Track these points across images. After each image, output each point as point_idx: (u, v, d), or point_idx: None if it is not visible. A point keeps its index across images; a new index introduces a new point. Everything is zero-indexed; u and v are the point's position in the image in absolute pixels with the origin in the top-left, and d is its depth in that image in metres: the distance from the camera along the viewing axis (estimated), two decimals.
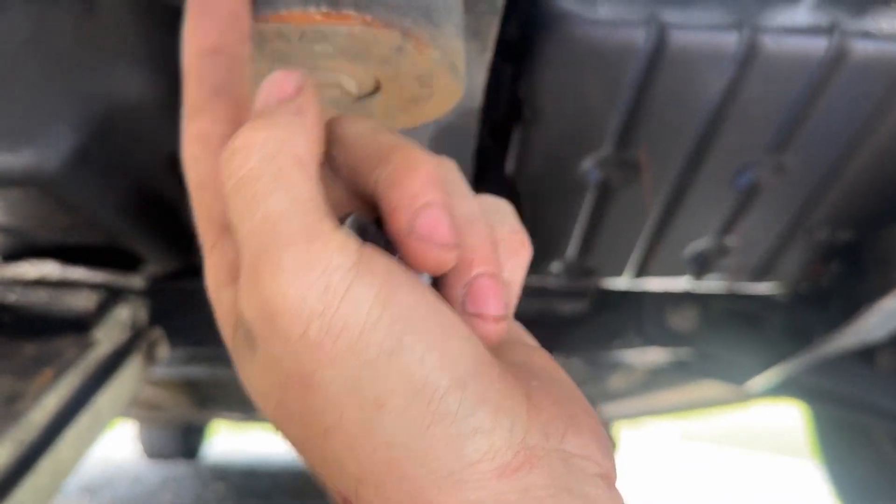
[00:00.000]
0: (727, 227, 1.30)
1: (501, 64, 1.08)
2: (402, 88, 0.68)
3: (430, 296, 0.36)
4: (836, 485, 2.42)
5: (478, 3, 0.72)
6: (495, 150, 1.19)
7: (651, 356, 2.05)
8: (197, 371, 2.13)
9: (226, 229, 0.40)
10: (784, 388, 1.95)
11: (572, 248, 1.35)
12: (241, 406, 3.05)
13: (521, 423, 0.34)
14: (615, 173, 1.17)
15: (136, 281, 1.43)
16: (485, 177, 1.31)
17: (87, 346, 1.23)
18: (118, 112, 0.84)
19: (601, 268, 1.41)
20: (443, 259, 0.37)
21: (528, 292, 1.85)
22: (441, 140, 0.96)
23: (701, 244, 1.34)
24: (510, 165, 1.16)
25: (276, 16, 0.57)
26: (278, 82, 0.42)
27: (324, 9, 0.58)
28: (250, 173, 0.34)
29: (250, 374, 0.37)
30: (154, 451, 4.94)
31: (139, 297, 1.45)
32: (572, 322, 2.01)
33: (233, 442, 6.81)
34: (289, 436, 0.37)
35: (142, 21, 0.75)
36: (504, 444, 0.33)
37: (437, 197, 0.37)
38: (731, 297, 1.90)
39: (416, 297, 0.35)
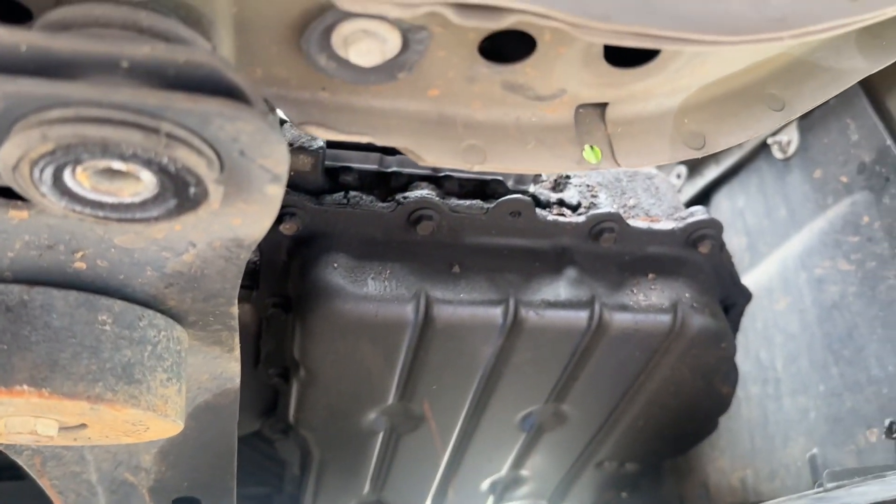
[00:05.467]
0: (520, 462, 1.31)
1: (283, 316, 1.07)
2: (113, 426, 0.63)
3: None
4: None
5: (211, 325, 0.70)
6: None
7: None
8: None
9: None
10: None
11: (368, 486, 1.31)
12: None
13: None
14: (401, 422, 1.15)
15: None
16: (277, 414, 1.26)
17: None
18: None
19: (400, 502, 1.37)
20: None
21: None
22: (202, 417, 0.91)
23: (497, 476, 1.34)
24: (291, 414, 1.12)
25: None
26: None
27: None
28: None
29: None
30: None
31: None
32: None
33: None
34: None
35: None
36: None
37: None
38: None
39: None
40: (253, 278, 1.05)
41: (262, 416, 1.33)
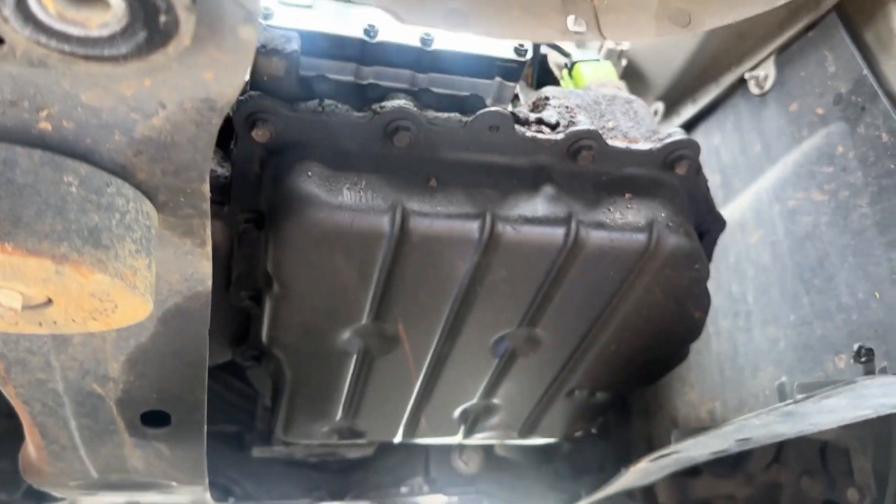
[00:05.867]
0: (492, 390, 1.31)
1: (256, 232, 1.05)
2: (79, 302, 0.61)
3: None
4: None
5: (182, 208, 0.68)
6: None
7: (440, 500, 2.01)
8: None
9: None
10: None
11: (340, 412, 1.30)
12: None
13: None
14: (375, 343, 1.15)
15: None
16: (244, 340, 1.25)
17: None
18: None
19: (372, 430, 1.37)
20: None
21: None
22: (172, 322, 0.90)
23: (469, 405, 1.34)
24: (264, 333, 1.11)
25: None
26: None
27: None
28: None
29: None
30: None
31: None
32: (358, 466, 1.94)
33: None
34: None
35: None
36: None
37: None
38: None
39: None
40: (224, 193, 1.03)
41: (233, 344, 1.31)
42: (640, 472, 1.37)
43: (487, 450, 1.86)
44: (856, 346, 1.11)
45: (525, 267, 1.04)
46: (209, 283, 0.85)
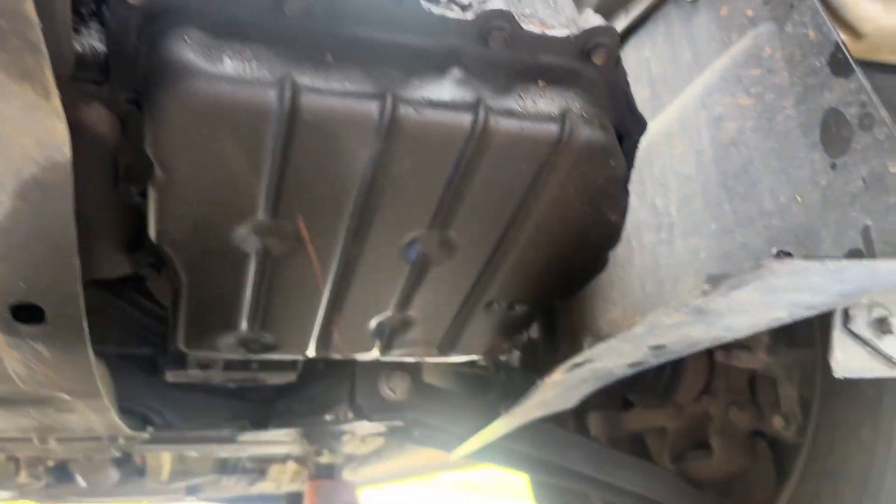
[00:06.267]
0: (407, 301, 1.25)
1: (139, 115, 0.96)
2: None
3: None
4: None
5: (8, 38, 0.60)
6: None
7: (367, 427, 1.97)
8: None
9: None
10: (492, 455, 1.95)
11: (244, 322, 1.23)
12: None
13: None
14: (275, 243, 1.08)
15: None
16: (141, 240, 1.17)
17: None
18: None
19: (281, 343, 1.30)
20: None
21: (231, 364, 1.70)
22: (31, 197, 0.81)
23: (383, 317, 1.29)
24: (152, 228, 1.03)
25: None
26: None
27: None
28: None
29: None
30: None
31: None
32: (281, 394, 1.89)
33: None
34: None
35: None
36: None
37: None
38: (443, 368, 1.89)
39: None
40: (103, 71, 0.94)
41: (129, 251, 1.23)
42: (559, 387, 1.34)
43: (415, 377, 1.82)
44: (774, 251, 1.08)
45: (431, 158, 0.98)
46: (67, 151, 0.77)
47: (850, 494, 1.43)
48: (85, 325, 1.00)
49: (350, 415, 1.80)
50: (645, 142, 1.23)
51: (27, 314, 0.96)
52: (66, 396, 1.22)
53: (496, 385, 1.91)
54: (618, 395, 2.34)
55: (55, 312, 0.95)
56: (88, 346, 1.05)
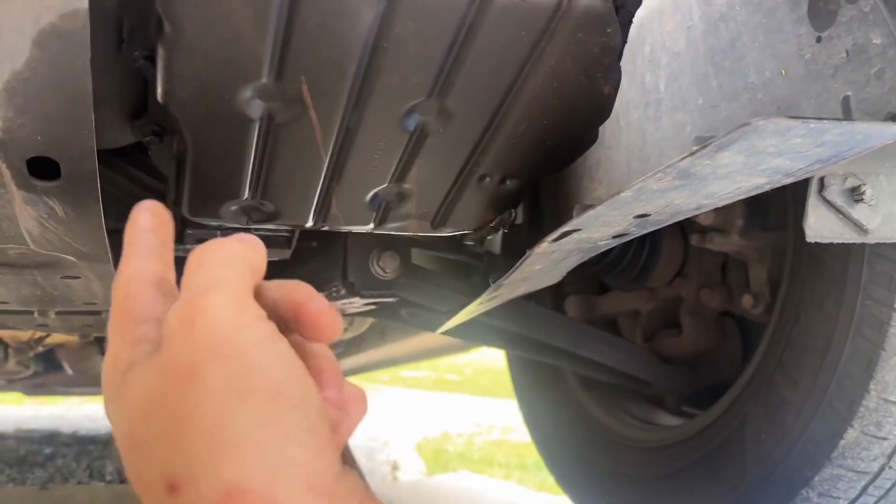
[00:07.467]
0: (403, 173, 1.30)
1: None
2: None
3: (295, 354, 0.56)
4: (528, 420, 2.64)
5: None
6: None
7: (358, 305, 2.05)
8: None
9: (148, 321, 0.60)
10: (473, 333, 2.05)
11: (247, 189, 1.27)
12: None
13: (332, 450, 0.52)
14: (278, 107, 1.11)
15: None
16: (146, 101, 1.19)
17: None
18: None
19: (282, 211, 1.35)
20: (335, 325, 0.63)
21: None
22: (48, 46, 0.83)
23: (380, 189, 1.33)
24: (159, 88, 1.05)
25: None
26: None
27: None
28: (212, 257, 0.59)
29: (135, 379, 0.55)
30: None
31: None
32: (274, 272, 1.94)
33: None
34: (143, 431, 0.52)
35: None
36: (321, 467, 0.51)
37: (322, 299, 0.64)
38: (433, 246, 1.95)
39: (287, 346, 0.56)
40: None
41: (131, 118, 1.25)
42: (545, 260, 1.41)
43: (404, 258, 1.89)
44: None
45: (434, 20, 1.01)
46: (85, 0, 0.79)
47: (812, 360, 1.54)
48: (97, 184, 1.04)
49: (343, 291, 1.87)
50: (637, 20, 1.25)
51: (43, 170, 0.99)
52: (75, 259, 1.27)
53: (479, 272, 1.99)
54: (594, 280, 2.44)
55: (70, 168, 0.99)
56: (100, 207, 1.09)
